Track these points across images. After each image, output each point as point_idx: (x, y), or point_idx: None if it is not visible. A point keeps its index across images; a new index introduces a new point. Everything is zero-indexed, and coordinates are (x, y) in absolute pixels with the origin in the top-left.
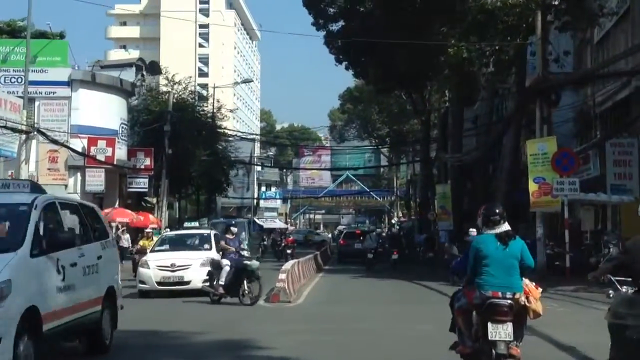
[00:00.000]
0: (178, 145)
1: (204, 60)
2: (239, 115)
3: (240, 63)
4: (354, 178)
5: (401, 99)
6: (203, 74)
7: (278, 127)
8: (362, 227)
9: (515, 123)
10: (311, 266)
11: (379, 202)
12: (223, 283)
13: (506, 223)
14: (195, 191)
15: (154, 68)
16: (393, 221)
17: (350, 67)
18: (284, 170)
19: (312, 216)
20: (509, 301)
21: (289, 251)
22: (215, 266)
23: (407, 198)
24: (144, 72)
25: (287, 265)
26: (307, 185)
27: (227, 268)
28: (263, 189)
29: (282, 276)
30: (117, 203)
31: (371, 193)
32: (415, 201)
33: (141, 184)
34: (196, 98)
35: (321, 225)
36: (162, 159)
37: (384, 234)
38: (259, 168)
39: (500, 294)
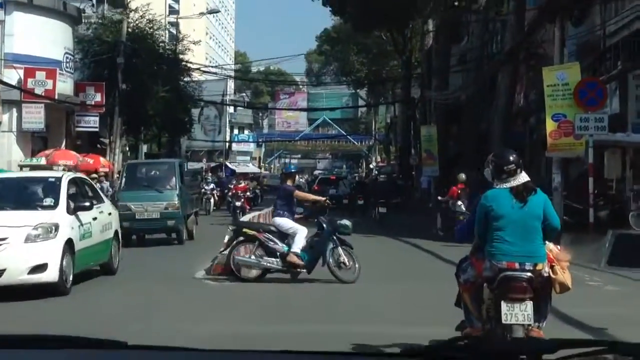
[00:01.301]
0: (134, 80)
1: None
2: (212, 55)
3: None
4: (330, 122)
5: (381, 39)
6: (174, 11)
7: (254, 70)
8: (337, 173)
9: (514, 56)
10: None
11: (357, 146)
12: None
13: (524, 173)
14: (157, 132)
15: (116, 1)
16: (371, 166)
17: (328, 3)
18: (259, 113)
19: (287, 160)
20: (528, 274)
21: (238, 203)
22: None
23: (386, 142)
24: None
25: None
26: (283, 129)
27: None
28: (236, 131)
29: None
30: (63, 144)
31: (348, 137)
32: (396, 145)
33: (91, 122)
34: (154, 28)
35: None
36: (114, 95)
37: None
38: (231, 110)
39: (517, 265)
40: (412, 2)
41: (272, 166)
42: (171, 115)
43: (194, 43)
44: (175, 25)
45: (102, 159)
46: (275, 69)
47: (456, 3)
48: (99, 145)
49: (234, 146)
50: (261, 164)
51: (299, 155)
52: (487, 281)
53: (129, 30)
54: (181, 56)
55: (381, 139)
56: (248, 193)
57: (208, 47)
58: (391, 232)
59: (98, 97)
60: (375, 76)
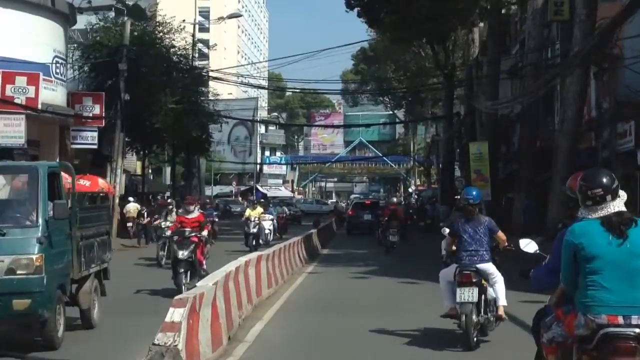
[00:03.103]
0: (139, 90)
1: (205, 14)
2: (244, 75)
3: (246, 19)
4: (367, 144)
5: (419, 55)
6: (204, 29)
7: (288, 92)
8: (374, 197)
9: (585, 58)
10: (297, 256)
11: (395, 169)
12: None
13: (618, 200)
14: (172, 150)
15: (138, 13)
16: (410, 190)
17: (363, 13)
18: (295, 136)
19: (323, 184)
20: (637, 330)
21: (181, 254)
22: None
23: (426, 164)
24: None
25: (205, 282)
26: (319, 152)
27: None
28: (267, 153)
29: (175, 316)
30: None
31: (386, 159)
32: (438, 167)
33: (89, 138)
34: (164, 31)
35: (333, 194)
36: (116, 107)
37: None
38: (262, 130)
39: (621, 319)
40: (455, 9)
41: (307, 190)
42: (183, 131)
43: (208, 48)
44: (207, 46)
45: (100, 180)
46: (310, 90)
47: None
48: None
49: (266, 169)
50: (294, 187)
51: (335, 179)
52: (581, 341)
53: (135, 34)
54: (197, 63)
55: (420, 160)
56: (204, 233)
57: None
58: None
59: (97, 109)
60: (413, 94)
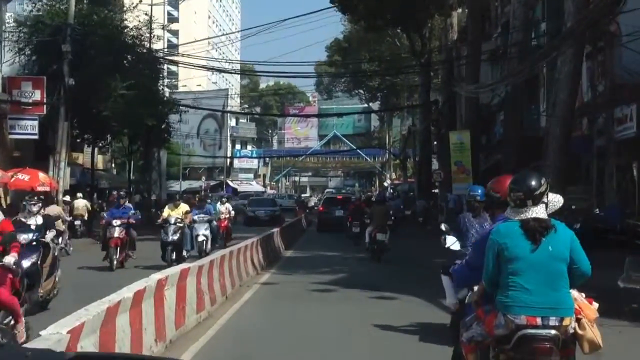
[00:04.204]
0: (85, 74)
1: (174, 2)
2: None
3: (217, 9)
4: (342, 137)
5: (395, 45)
6: (173, 19)
7: (262, 85)
8: (349, 191)
9: (579, 34)
10: (250, 262)
11: (370, 163)
12: None
13: (541, 205)
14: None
15: None
16: (385, 184)
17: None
18: (269, 130)
19: (297, 179)
20: (553, 331)
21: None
22: None
23: (402, 156)
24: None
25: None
26: (292, 146)
27: None
28: (238, 147)
29: None
30: None
31: (360, 152)
32: (414, 160)
33: (28, 127)
34: (114, 11)
35: (307, 189)
36: (59, 93)
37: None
38: (233, 123)
39: (539, 321)
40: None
41: (280, 184)
42: (136, 120)
43: (162, 27)
44: (177, 37)
45: (41, 175)
46: (284, 84)
47: None
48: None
49: (236, 163)
50: (266, 182)
51: (309, 173)
52: (499, 341)
53: (82, 12)
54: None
55: (396, 153)
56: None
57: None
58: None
59: (37, 95)
60: (389, 86)
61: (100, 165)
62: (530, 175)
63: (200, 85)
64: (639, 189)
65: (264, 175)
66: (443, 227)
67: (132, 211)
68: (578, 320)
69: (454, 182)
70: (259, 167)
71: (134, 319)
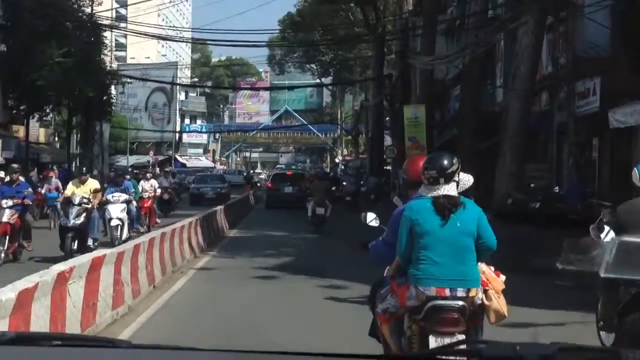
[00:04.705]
0: (18, 40)
1: None
2: (168, 42)
3: None
4: (293, 112)
5: (348, 20)
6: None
7: (214, 60)
8: (300, 168)
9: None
10: (187, 245)
11: (322, 139)
12: None
13: (452, 184)
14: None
15: None
16: (337, 160)
17: None
18: (220, 105)
19: (247, 155)
20: (461, 302)
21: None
22: None
23: (354, 132)
24: None
25: None
26: (244, 121)
27: None
28: (187, 121)
29: None
30: None
31: (312, 128)
32: (366, 136)
33: None
34: None
35: (258, 165)
36: None
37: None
38: (182, 97)
39: (447, 292)
40: None
41: (230, 160)
42: (74, 90)
43: None
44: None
45: None
46: (237, 58)
47: None
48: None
49: (185, 137)
50: (216, 157)
51: (260, 149)
52: (412, 311)
53: None
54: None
55: (348, 129)
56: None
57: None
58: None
59: None
60: (341, 61)
61: (42, 139)
62: (443, 156)
63: (149, 57)
64: (599, 167)
65: (214, 151)
66: (395, 200)
67: (28, 189)
68: (485, 291)
69: (407, 158)
70: (208, 142)
71: (16, 326)
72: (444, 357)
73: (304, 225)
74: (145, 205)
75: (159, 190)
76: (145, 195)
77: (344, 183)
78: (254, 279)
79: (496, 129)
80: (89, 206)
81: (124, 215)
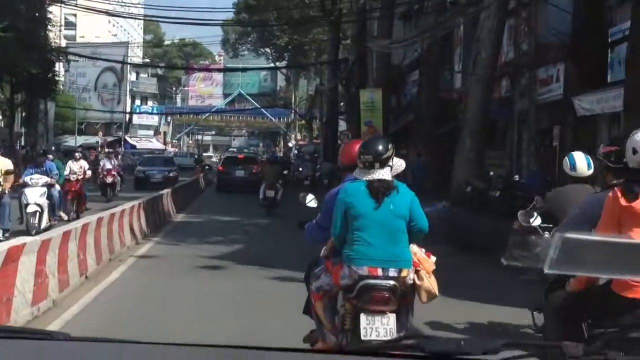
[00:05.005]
0: None
1: None
2: (117, 19)
3: None
4: (247, 96)
5: (304, 3)
6: None
7: (167, 41)
8: (253, 152)
9: None
10: (128, 230)
11: (275, 123)
12: None
13: (387, 168)
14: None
15: None
16: (290, 144)
17: None
18: (172, 87)
19: (200, 137)
20: (392, 282)
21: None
22: None
23: (308, 117)
24: None
25: None
26: (196, 104)
27: None
28: (138, 102)
29: None
30: None
31: (265, 112)
32: (321, 120)
33: None
34: None
35: (210, 148)
36: None
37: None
38: (133, 77)
39: (380, 271)
40: None
41: (182, 142)
42: (12, 66)
43: None
44: None
45: None
46: (190, 40)
47: None
48: None
49: (136, 119)
50: (167, 139)
51: (213, 132)
52: (345, 290)
53: None
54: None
55: (302, 114)
56: None
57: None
58: None
59: None
60: (296, 46)
61: None
62: (378, 141)
63: (99, 37)
64: (559, 155)
65: (165, 133)
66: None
67: None
68: (417, 272)
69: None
70: (160, 124)
71: None
72: (387, 352)
73: (255, 209)
74: (73, 190)
75: (89, 172)
76: (73, 177)
77: (300, 169)
78: (199, 269)
79: (454, 115)
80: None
81: (43, 201)
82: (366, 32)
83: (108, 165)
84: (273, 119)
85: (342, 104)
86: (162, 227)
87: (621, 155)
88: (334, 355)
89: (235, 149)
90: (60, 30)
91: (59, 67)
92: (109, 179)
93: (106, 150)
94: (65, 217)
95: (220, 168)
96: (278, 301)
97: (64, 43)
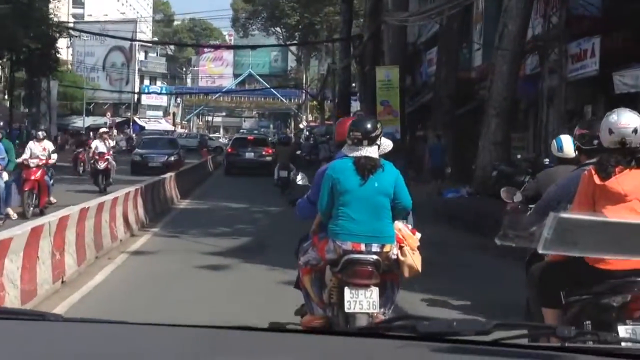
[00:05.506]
0: None
1: None
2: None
3: None
4: (257, 77)
5: None
6: None
7: (177, 22)
8: (264, 133)
9: None
10: (122, 221)
11: (286, 104)
12: None
13: (375, 146)
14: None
15: None
16: (301, 126)
17: None
18: (182, 68)
19: (210, 118)
20: (375, 256)
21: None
22: None
23: (319, 97)
24: None
25: None
26: (207, 85)
27: None
28: (146, 82)
29: None
30: None
31: (275, 92)
32: (333, 100)
33: None
34: None
35: (221, 129)
36: None
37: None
38: (141, 57)
39: (363, 247)
40: None
41: (191, 123)
42: (9, 40)
43: None
44: None
45: None
46: (200, 20)
47: None
48: None
49: (144, 99)
50: (176, 120)
51: (223, 113)
52: (331, 264)
53: None
54: None
55: (313, 94)
56: None
57: None
58: None
59: None
60: (307, 25)
61: None
62: (368, 119)
63: (107, 15)
64: None
65: (174, 114)
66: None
67: None
68: (401, 248)
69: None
70: (169, 104)
71: None
72: (380, 332)
73: (265, 194)
74: (32, 178)
75: (54, 156)
76: (33, 163)
77: (318, 151)
78: (198, 271)
79: (472, 96)
80: None
81: None
82: (382, 5)
83: (101, 148)
84: (284, 99)
85: (353, 84)
86: (163, 215)
87: (593, 137)
88: (326, 336)
89: (245, 130)
90: (61, 4)
91: (64, 43)
92: (101, 165)
93: (102, 130)
94: (14, 216)
95: (230, 150)
96: (288, 307)
97: (71, 21)
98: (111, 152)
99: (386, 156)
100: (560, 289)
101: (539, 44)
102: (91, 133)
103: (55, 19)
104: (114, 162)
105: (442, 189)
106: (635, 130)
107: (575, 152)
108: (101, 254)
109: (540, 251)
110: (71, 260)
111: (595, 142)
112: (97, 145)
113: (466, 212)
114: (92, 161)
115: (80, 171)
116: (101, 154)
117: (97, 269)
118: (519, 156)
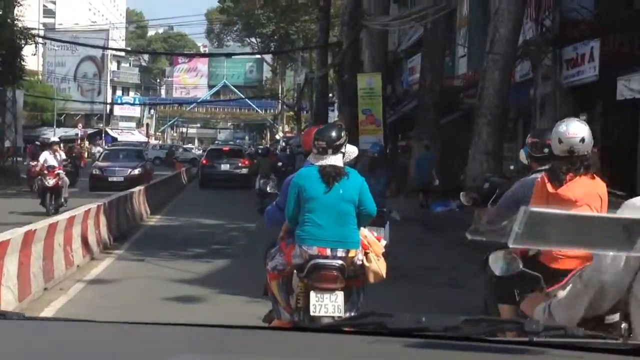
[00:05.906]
0: None
1: None
2: (99, 8)
3: None
4: (232, 87)
5: None
6: None
7: (151, 32)
8: (239, 144)
9: None
10: (78, 244)
11: (261, 115)
12: None
13: (339, 155)
14: None
15: None
16: (277, 137)
17: None
18: (156, 79)
19: (184, 130)
20: (340, 261)
21: None
22: None
23: (296, 107)
24: None
25: None
26: (181, 96)
27: None
28: (119, 93)
29: None
30: None
31: (250, 103)
32: (311, 111)
33: None
34: None
35: (195, 140)
36: None
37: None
38: (114, 67)
39: (328, 251)
40: None
41: (166, 135)
42: None
43: None
44: None
45: None
46: (174, 32)
47: None
48: None
49: (117, 110)
50: (150, 132)
51: (198, 124)
52: (297, 269)
53: None
54: None
55: (290, 104)
56: None
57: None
58: None
59: None
60: (283, 35)
61: None
62: (333, 128)
63: (78, 24)
64: None
65: (148, 125)
66: None
67: None
68: (366, 254)
69: (361, 135)
70: (142, 116)
71: None
72: (347, 329)
73: (243, 208)
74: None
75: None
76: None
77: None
78: (165, 302)
79: (456, 105)
80: None
81: None
82: (362, 10)
83: (51, 162)
84: (259, 110)
85: (330, 95)
86: (131, 234)
87: (542, 146)
88: (293, 333)
89: (220, 142)
90: (28, 11)
91: (30, 51)
92: (50, 181)
93: (52, 140)
94: None
95: (204, 162)
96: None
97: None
98: (62, 167)
99: (371, 167)
100: (514, 287)
101: (531, 49)
102: (37, 144)
103: (20, 25)
104: (66, 179)
105: (430, 202)
106: (582, 140)
107: (527, 159)
108: (51, 285)
109: (510, 245)
110: (10, 296)
111: (546, 150)
112: (47, 157)
113: (457, 228)
114: (39, 177)
115: (36, 188)
116: (51, 168)
117: (43, 304)
118: (511, 167)
